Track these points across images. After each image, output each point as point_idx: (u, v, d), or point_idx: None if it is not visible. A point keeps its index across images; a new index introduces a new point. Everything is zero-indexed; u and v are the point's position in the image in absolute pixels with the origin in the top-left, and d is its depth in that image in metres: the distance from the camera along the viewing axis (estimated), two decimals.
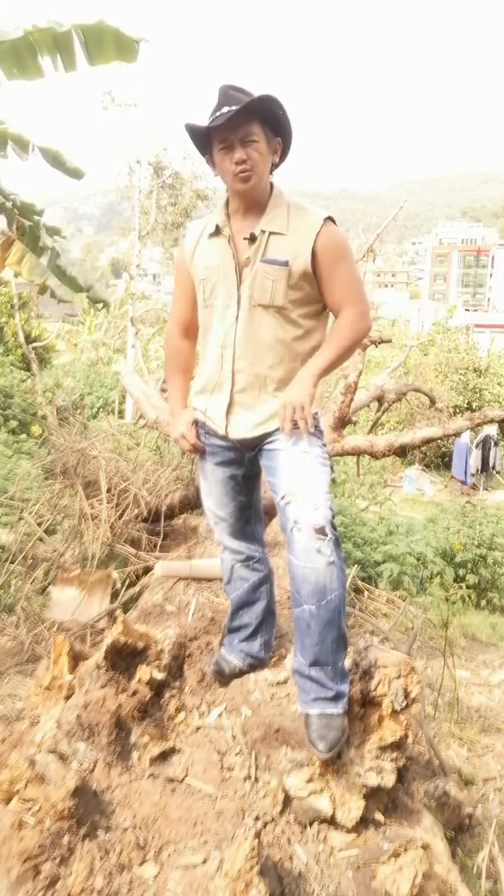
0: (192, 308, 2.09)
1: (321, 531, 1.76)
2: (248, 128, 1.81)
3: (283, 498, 1.83)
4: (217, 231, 1.96)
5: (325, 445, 1.98)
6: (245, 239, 1.91)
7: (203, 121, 1.87)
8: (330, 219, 1.90)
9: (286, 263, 1.86)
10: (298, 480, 1.84)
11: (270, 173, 1.93)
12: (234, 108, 1.77)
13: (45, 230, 5.75)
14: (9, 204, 5.40)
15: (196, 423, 2.11)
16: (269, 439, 1.96)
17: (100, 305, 6.43)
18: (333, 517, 1.81)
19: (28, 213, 5.60)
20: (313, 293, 1.93)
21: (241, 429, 1.98)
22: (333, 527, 1.80)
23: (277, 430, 1.94)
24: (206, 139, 1.87)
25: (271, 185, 1.94)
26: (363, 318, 1.92)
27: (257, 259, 1.89)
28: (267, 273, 1.87)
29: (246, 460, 2.08)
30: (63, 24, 4.64)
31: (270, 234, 1.89)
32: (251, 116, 1.80)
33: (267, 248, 1.88)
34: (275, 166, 1.94)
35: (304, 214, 1.90)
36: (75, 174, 5.50)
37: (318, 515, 1.77)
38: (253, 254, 1.89)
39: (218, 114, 1.80)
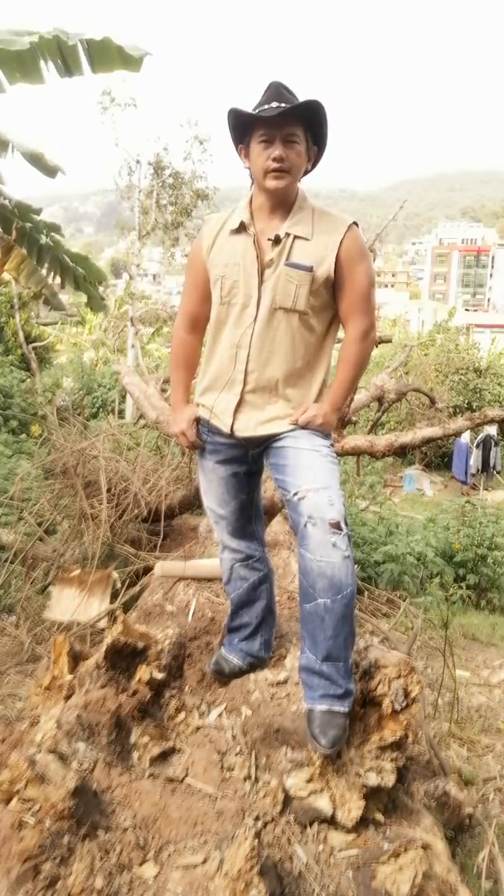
0: (202, 302, 2.07)
1: (336, 526, 1.76)
2: (293, 128, 1.82)
3: (295, 494, 1.83)
4: (241, 228, 1.94)
5: (332, 444, 1.99)
6: (269, 240, 1.90)
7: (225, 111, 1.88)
8: (355, 224, 1.91)
9: (310, 269, 1.86)
10: (311, 477, 1.84)
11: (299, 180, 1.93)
12: (283, 105, 1.79)
13: (44, 227, 5.76)
14: (7, 203, 5.41)
15: (197, 420, 2.11)
16: (277, 437, 1.96)
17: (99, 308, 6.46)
18: (346, 513, 1.82)
19: (25, 213, 5.61)
20: (331, 300, 1.95)
21: (248, 427, 1.98)
22: (346, 522, 1.80)
23: (286, 430, 1.95)
24: (245, 129, 1.87)
25: (297, 188, 1.94)
26: (367, 334, 1.95)
27: (281, 262, 1.88)
28: (290, 277, 1.87)
29: (249, 458, 2.08)
30: (70, 38, 4.66)
31: (295, 237, 1.89)
32: (298, 118, 1.82)
33: (291, 252, 1.88)
34: (305, 173, 1.93)
35: (330, 220, 1.91)
36: (52, 172, 5.52)
37: (333, 510, 1.77)
38: (276, 256, 1.89)
39: (266, 107, 1.80)
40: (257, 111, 1.82)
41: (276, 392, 1.96)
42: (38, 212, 5.78)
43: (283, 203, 1.91)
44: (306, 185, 1.99)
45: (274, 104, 1.80)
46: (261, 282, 1.90)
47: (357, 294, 1.91)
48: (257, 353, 1.92)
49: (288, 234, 1.88)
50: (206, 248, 2.01)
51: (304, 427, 1.94)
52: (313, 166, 1.95)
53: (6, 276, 5.47)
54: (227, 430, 2.01)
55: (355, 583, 1.81)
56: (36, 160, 5.35)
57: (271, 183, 1.85)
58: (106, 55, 4.85)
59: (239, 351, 1.94)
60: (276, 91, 1.83)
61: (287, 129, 1.81)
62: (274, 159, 1.81)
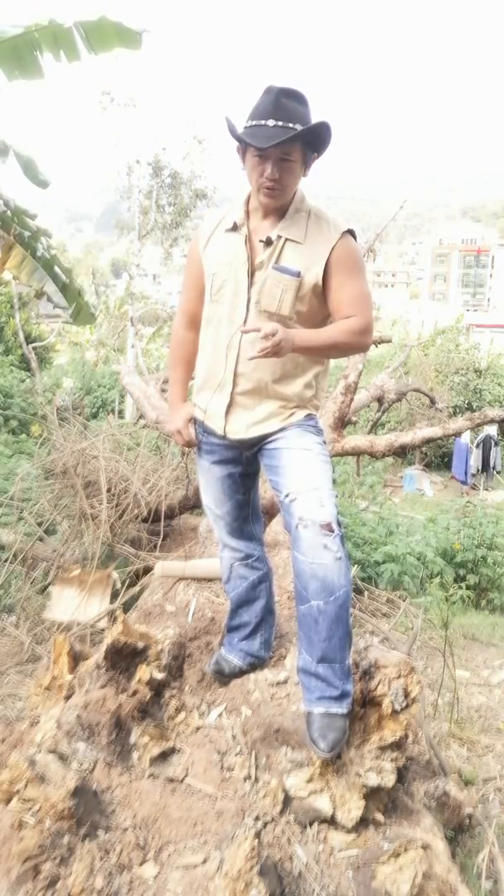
0: (200, 298, 2.05)
1: (328, 527, 1.76)
2: (287, 147, 1.75)
3: (287, 496, 1.83)
4: (234, 227, 1.92)
5: (325, 443, 1.98)
6: (261, 241, 1.88)
7: (224, 107, 1.82)
8: (349, 232, 1.87)
9: (298, 274, 1.84)
10: (302, 478, 1.83)
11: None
12: (280, 123, 1.72)
13: (39, 234, 5.77)
14: (6, 210, 5.42)
15: (193, 419, 2.11)
16: (270, 438, 1.96)
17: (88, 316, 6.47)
18: (338, 514, 1.82)
19: (22, 218, 5.61)
20: (319, 307, 1.91)
21: (241, 429, 1.97)
22: (339, 523, 1.79)
23: (277, 430, 1.94)
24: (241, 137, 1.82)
25: (294, 190, 1.90)
26: (366, 333, 1.89)
27: (270, 264, 1.86)
28: (277, 281, 1.85)
29: (244, 459, 2.07)
30: (65, 23, 4.63)
31: (287, 240, 1.86)
32: (296, 140, 1.75)
33: (281, 255, 1.86)
34: (304, 175, 1.89)
35: (324, 225, 1.88)
36: (42, 184, 5.53)
37: (324, 512, 1.77)
38: (267, 258, 1.87)
39: (262, 123, 1.74)
40: (252, 124, 1.76)
41: (266, 392, 1.94)
42: (33, 217, 5.78)
43: (279, 206, 1.89)
44: (306, 186, 1.96)
45: (271, 122, 1.73)
46: (250, 283, 1.89)
47: (354, 299, 1.87)
48: (247, 356, 1.89)
49: (280, 237, 1.86)
50: (202, 245, 2.00)
51: (264, 338, 1.74)
52: (313, 163, 1.89)
53: (6, 275, 5.47)
54: (220, 431, 2.00)
55: (350, 584, 1.80)
56: (29, 169, 5.34)
57: (264, 199, 1.84)
58: (103, 35, 4.79)
59: (229, 352, 1.93)
60: (275, 103, 1.74)
61: (281, 149, 1.75)
62: (267, 178, 1.78)
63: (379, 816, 1.73)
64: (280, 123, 1.73)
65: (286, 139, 1.71)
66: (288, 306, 1.86)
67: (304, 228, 1.87)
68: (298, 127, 1.74)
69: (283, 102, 1.75)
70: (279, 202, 1.85)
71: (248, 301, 1.89)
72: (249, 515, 2.21)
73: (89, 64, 4.96)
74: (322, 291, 1.88)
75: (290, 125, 1.73)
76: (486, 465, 11.94)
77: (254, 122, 1.77)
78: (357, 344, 1.90)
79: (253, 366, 1.91)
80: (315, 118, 1.79)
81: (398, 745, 1.80)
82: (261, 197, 1.84)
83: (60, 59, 4.80)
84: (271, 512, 3.68)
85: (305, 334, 1.85)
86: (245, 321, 1.90)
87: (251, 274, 1.89)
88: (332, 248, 1.84)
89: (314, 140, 1.81)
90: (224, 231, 1.96)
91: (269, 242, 1.87)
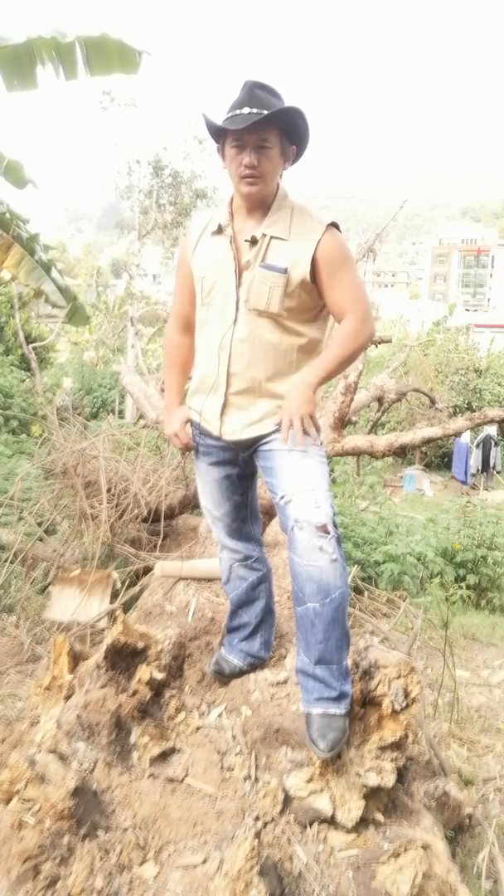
0: (192, 302, 2.06)
1: (323, 529, 1.75)
2: (264, 133, 1.78)
3: (282, 497, 1.83)
4: (219, 229, 1.94)
5: (321, 443, 1.98)
6: (246, 241, 1.89)
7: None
8: (333, 225, 1.87)
9: (285, 271, 1.84)
10: (298, 479, 1.83)
11: (279, 176, 1.91)
12: (255, 110, 1.75)
13: (35, 237, 5.77)
14: (4, 211, 5.41)
15: (190, 421, 2.11)
16: (265, 440, 1.95)
17: (83, 318, 6.44)
18: (335, 515, 1.81)
19: (17, 223, 5.60)
20: (310, 301, 1.91)
21: (236, 430, 1.97)
22: (335, 524, 1.79)
23: (272, 431, 1.94)
24: (220, 131, 1.84)
25: (277, 187, 1.91)
26: (365, 326, 1.87)
27: (257, 263, 1.87)
28: (265, 279, 1.85)
29: (240, 460, 2.07)
30: (66, 36, 4.65)
31: (272, 238, 1.87)
32: (271, 122, 1.78)
33: (267, 253, 1.86)
34: (284, 169, 1.91)
35: (307, 220, 1.88)
36: (21, 184, 5.51)
37: (319, 513, 1.77)
38: (253, 257, 1.87)
39: (238, 112, 1.77)
40: (229, 115, 1.79)
41: (260, 392, 1.94)
42: (26, 221, 5.78)
43: (261, 203, 1.89)
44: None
45: (245, 110, 1.76)
46: (238, 283, 1.89)
47: (347, 291, 1.87)
48: (239, 355, 1.90)
49: (265, 235, 1.87)
50: (190, 249, 2.02)
51: (293, 429, 1.80)
52: (294, 162, 1.92)
53: (6, 274, 5.47)
54: (216, 433, 2.01)
55: (346, 586, 1.80)
56: (9, 172, 5.31)
57: (244, 189, 1.84)
58: (103, 56, 4.84)
59: (221, 352, 1.93)
60: (250, 93, 1.79)
61: (258, 135, 1.77)
62: (245, 166, 1.80)
63: (379, 816, 1.73)
64: (255, 110, 1.76)
65: (260, 120, 1.74)
66: (277, 303, 1.86)
67: (287, 225, 1.88)
68: None
69: (257, 93, 1.80)
70: (260, 192, 1.85)
71: (238, 301, 1.90)
72: (248, 516, 2.21)
73: (87, 81, 5.01)
74: (311, 286, 1.88)
75: (265, 112, 1.76)
76: (486, 465, 11.95)
77: (230, 114, 1.80)
78: (362, 341, 1.89)
79: (245, 365, 1.91)
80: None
81: (398, 745, 1.80)
82: (241, 187, 1.84)
83: (59, 76, 4.84)
84: (271, 512, 3.68)
85: (315, 370, 1.85)
86: (235, 321, 1.90)
87: (239, 274, 1.90)
88: (318, 243, 1.84)
89: (290, 129, 1.83)
90: (210, 234, 1.97)
91: (254, 241, 1.88)
